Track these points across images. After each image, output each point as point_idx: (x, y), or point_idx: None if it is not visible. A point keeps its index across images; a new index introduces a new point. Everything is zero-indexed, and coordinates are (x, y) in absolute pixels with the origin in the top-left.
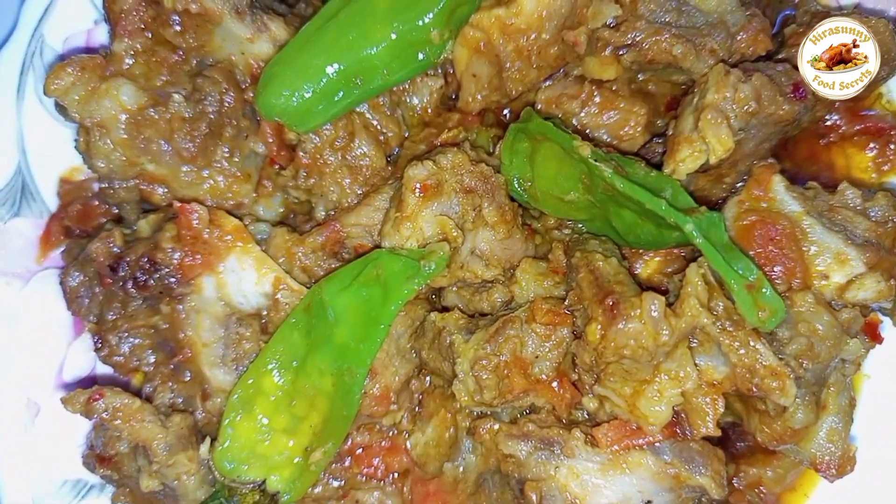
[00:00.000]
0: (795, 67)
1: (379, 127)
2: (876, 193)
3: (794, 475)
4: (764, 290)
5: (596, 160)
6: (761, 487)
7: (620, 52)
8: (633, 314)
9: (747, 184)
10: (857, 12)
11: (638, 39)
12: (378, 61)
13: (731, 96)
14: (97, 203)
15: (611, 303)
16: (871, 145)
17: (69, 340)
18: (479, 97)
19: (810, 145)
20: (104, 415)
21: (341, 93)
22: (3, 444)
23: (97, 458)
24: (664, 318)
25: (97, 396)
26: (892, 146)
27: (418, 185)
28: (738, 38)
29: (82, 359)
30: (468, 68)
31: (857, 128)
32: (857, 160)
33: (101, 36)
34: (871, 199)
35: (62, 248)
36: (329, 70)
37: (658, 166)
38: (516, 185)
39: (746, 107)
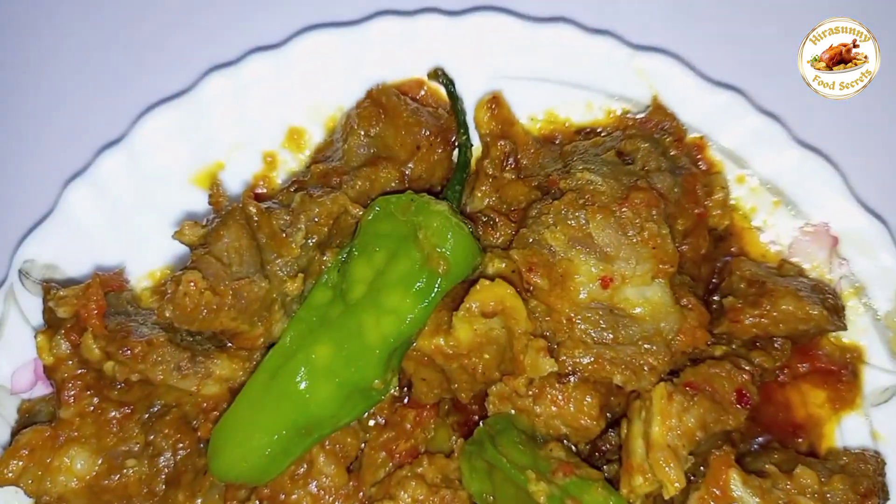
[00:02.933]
0: (736, 361)
1: (336, 444)
2: (832, 477)
3: None
4: None
5: None
6: None
7: (563, 381)
8: None
9: (706, 479)
10: (795, 267)
11: (579, 369)
12: (325, 413)
13: (677, 426)
14: None
15: None
16: (824, 384)
17: None
18: (431, 395)
19: (765, 386)
20: None
21: (293, 445)
22: None
23: None
24: None
25: None
26: (842, 384)
27: None
28: (676, 341)
29: None
30: (416, 373)
31: (809, 368)
32: (812, 396)
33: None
34: (829, 482)
35: None
36: (278, 431)
37: (614, 481)
38: (479, 498)
39: (693, 437)
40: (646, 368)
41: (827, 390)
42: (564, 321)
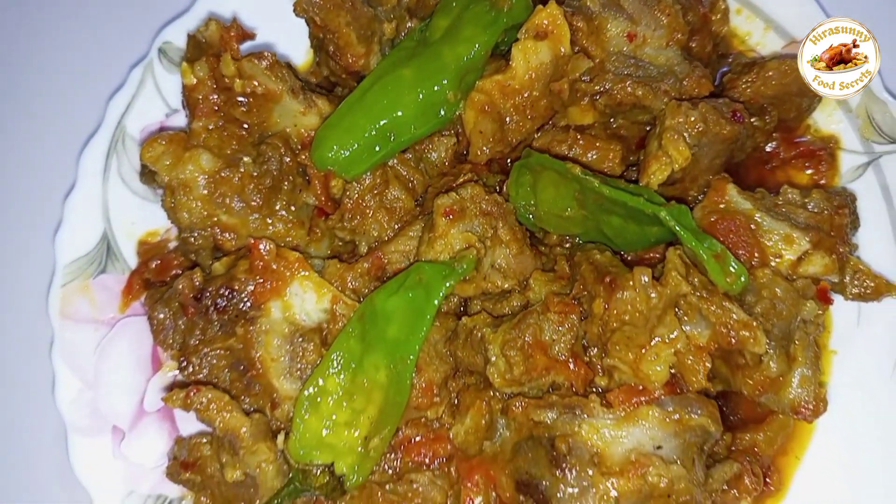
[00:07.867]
0: (733, 100)
1: (407, 176)
2: (811, 191)
3: (783, 438)
4: (729, 259)
5: (585, 176)
6: (756, 450)
7: (595, 98)
8: (628, 285)
9: (708, 193)
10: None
11: (608, 87)
12: (407, 119)
13: (684, 120)
14: (173, 256)
15: (609, 280)
16: (807, 166)
17: (148, 377)
18: (485, 149)
19: (758, 171)
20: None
21: (379, 146)
22: (94, 468)
23: (182, 464)
24: (653, 286)
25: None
26: (822, 164)
27: (446, 210)
28: (685, 82)
29: (160, 392)
30: (475, 126)
31: (794, 153)
32: (797, 179)
33: (171, 126)
34: (808, 195)
35: (142, 298)
36: (369, 128)
37: (635, 182)
38: (522, 211)
39: (697, 127)
40: (661, 91)
41: (810, 174)
42: (597, 63)
